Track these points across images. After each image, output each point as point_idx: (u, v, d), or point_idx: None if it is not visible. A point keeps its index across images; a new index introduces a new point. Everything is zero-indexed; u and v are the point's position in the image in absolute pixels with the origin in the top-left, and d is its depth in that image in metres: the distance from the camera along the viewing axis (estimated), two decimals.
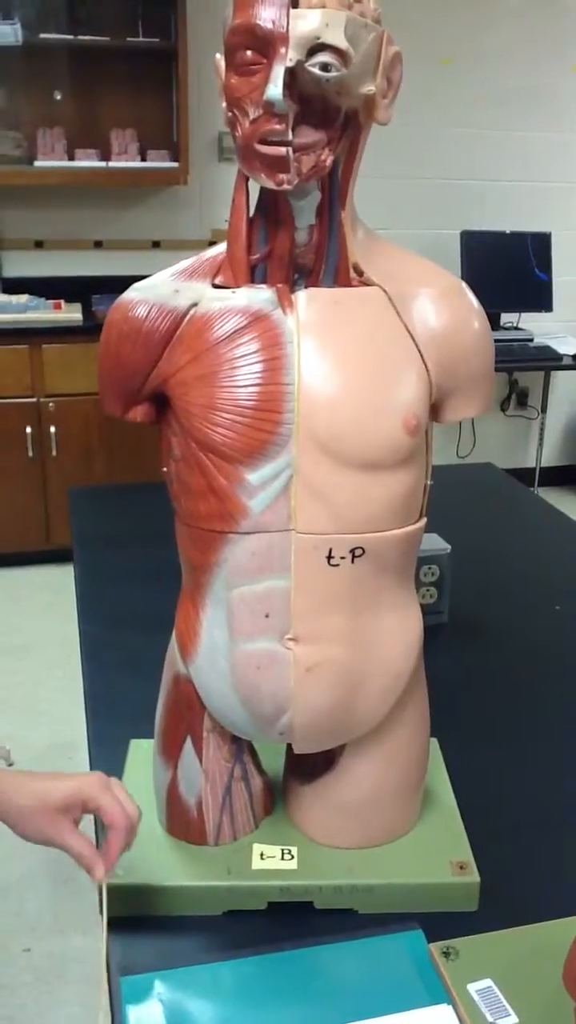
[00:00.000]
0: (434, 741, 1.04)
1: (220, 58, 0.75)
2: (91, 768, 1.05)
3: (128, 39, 3.43)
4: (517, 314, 4.05)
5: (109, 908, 0.79)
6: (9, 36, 3.34)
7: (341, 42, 0.69)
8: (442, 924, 0.84)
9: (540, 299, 3.97)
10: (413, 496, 0.82)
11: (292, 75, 0.69)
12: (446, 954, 0.81)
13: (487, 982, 0.79)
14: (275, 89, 0.68)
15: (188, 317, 0.80)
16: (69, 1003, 1.77)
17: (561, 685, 1.28)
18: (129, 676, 1.22)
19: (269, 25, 0.69)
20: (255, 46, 0.70)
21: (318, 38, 0.69)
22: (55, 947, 1.89)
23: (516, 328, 4.05)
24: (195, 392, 0.78)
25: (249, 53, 0.71)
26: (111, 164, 3.51)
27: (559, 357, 3.84)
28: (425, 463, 0.84)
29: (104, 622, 1.40)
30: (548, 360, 3.86)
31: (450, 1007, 0.76)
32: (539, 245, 3.97)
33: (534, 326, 4.05)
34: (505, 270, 3.93)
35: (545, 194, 4.15)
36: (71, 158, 3.49)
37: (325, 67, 0.70)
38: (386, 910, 0.87)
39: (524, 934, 0.84)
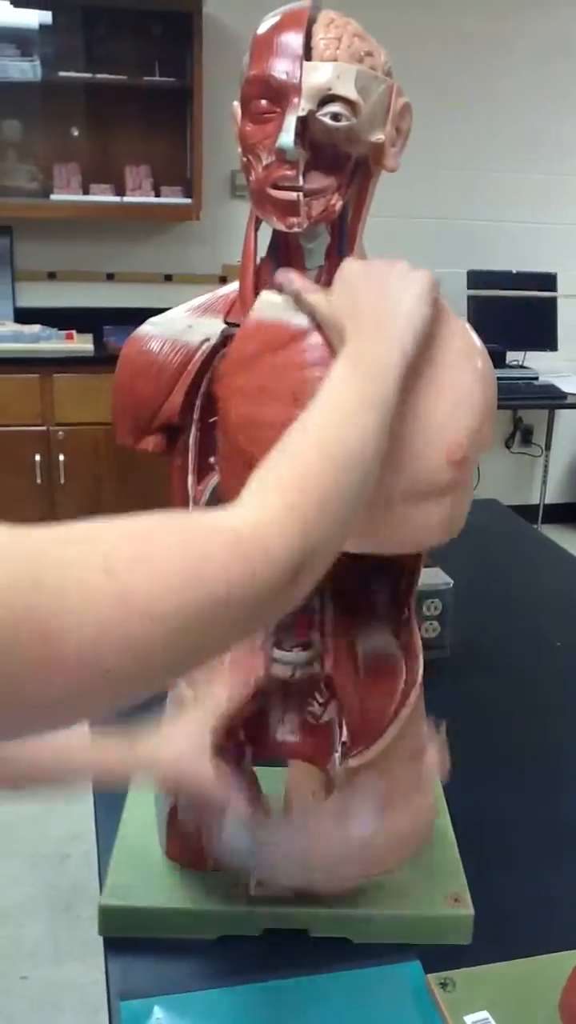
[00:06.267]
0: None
1: (237, 105, 0.79)
2: (94, 797, 1.05)
3: (144, 78, 3.50)
4: (522, 352, 4.09)
5: (105, 929, 0.80)
6: (28, 73, 3.42)
7: (351, 93, 0.73)
8: (439, 955, 0.85)
9: (545, 338, 4.02)
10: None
11: (304, 124, 0.72)
12: (443, 985, 0.81)
13: (484, 1014, 0.79)
14: (287, 137, 0.72)
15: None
16: None
17: (561, 721, 1.28)
18: None
19: (283, 76, 0.72)
20: (269, 96, 0.73)
21: (329, 89, 0.72)
22: (52, 975, 1.88)
23: (521, 366, 4.08)
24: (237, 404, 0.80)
25: (264, 102, 0.74)
26: (125, 199, 3.57)
27: (563, 395, 3.87)
28: None
29: None
30: (553, 398, 3.89)
31: None
32: (544, 285, 4.01)
33: (539, 364, 4.09)
34: (511, 309, 3.97)
35: (551, 235, 4.21)
36: (86, 192, 3.55)
37: (335, 116, 0.73)
38: (381, 940, 0.87)
39: (521, 967, 0.84)
